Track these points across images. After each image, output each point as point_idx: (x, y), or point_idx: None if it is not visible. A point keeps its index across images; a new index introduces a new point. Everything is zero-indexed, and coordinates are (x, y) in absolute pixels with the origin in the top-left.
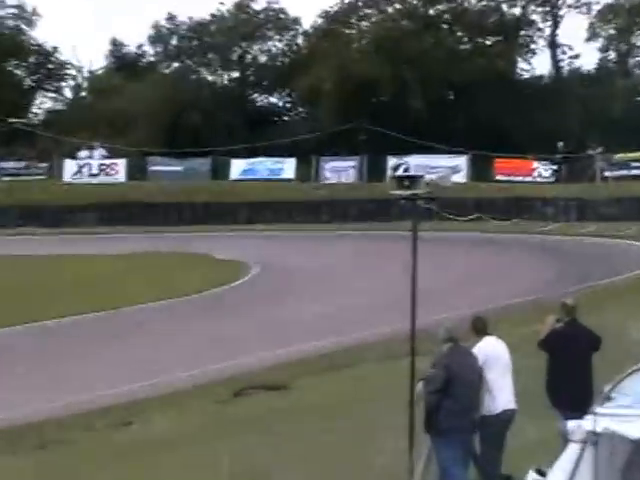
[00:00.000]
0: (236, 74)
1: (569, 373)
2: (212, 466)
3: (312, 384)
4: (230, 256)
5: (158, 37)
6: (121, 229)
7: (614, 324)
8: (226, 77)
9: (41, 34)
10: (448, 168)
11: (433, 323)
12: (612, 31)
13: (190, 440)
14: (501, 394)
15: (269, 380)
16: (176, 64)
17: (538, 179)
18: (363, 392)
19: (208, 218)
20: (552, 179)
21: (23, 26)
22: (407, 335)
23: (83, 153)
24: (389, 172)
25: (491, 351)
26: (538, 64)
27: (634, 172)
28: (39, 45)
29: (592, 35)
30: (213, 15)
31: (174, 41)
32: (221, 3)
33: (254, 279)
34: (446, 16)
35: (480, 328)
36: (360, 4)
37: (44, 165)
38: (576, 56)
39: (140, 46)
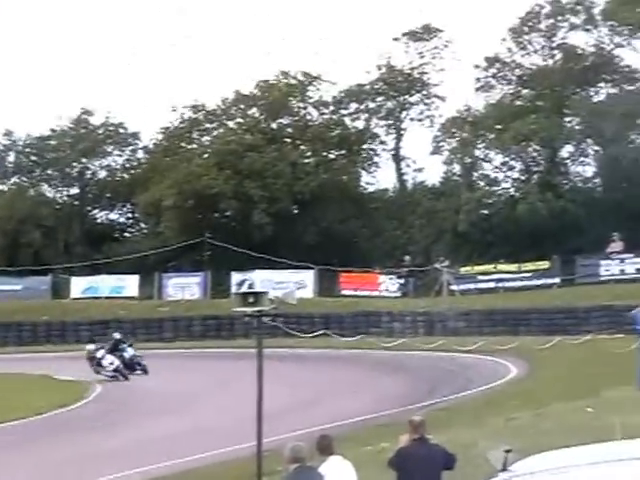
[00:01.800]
0: (76, 190)
1: None
2: None
3: None
4: (71, 376)
5: None
6: None
7: (462, 440)
8: (66, 193)
9: None
10: (294, 283)
11: (279, 443)
12: (455, 144)
13: None
14: None
15: None
16: (14, 180)
17: (385, 293)
18: None
19: (49, 338)
20: (398, 293)
21: None
22: (253, 455)
23: None
24: (233, 288)
25: (337, 471)
26: (383, 177)
27: (480, 285)
28: None
29: (436, 148)
30: (52, 130)
31: (11, 157)
32: (59, 118)
33: (95, 400)
34: (289, 130)
35: (325, 447)
36: (201, 118)
37: None
38: (420, 169)
39: None
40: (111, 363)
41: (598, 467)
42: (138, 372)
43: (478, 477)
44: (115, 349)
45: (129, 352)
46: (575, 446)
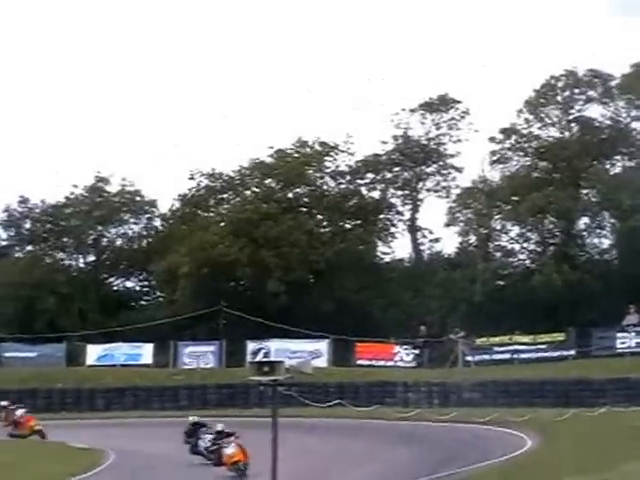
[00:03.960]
0: (92, 257)
1: None
2: None
3: None
4: (86, 444)
5: (10, 221)
6: None
7: None
8: (82, 260)
9: None
10: (309, 353)
11: None
12: (471, 215)
13: None
14: None
15: None
16: (30, 247)
17: (400, 363)
18: None
19: (64, 405)
20: (414, 363)
21: None
22: None
23: None
24: (249, 357)
25: None
26: (399, 247)
27: (496, 357)
28: None
29: (451, 219)
30: (67, 198)
31: (27, 224)
32: (74, 186)
33: (110, 468)
34: (305, 199)
35: None
36: (217, 187)
37: None
38: (436, 240)
39: None
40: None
41: None
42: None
43: None
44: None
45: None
46: None
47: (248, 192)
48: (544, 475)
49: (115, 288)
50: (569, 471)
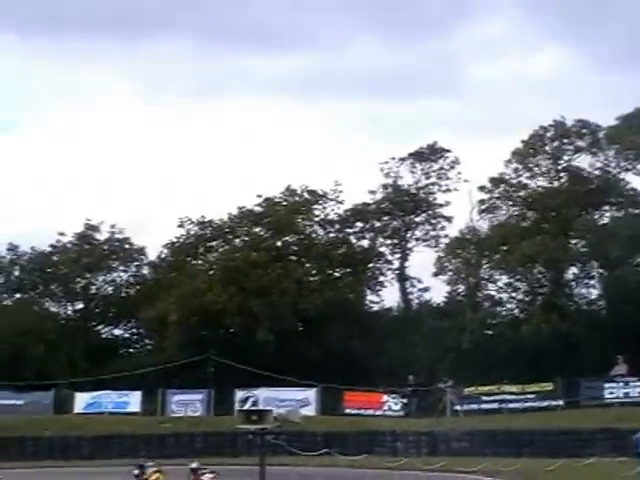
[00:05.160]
0: (80, 305)
1: None
2: None
3: None
4: None
5: None
6: None
7: None
8: (70, 308)
9: None
10: (297, 401)
11: None
12: (460, 264)
13: None
14: None
15: None
16: (18, 295)
17: (388, 412)
18: None
19: (51, 452)
20: (402, 412)
21: None
22: None
23: None
24: (237, 405)
25: None
26: (387, 296)
27: (484, 406)
28: None
29: (440, 269)
30: (56, 245)
31: (16, 272)
32: (61, 234)
33: None
34: (294, 248)
35: None
36: (207, 235)
37: None
38: (425, 289)
39: None
40: None
41: None
42: None
43: None
44: None
45: None
46: None
47: (237, 240)
48: None
49: (104, 336)
50: None
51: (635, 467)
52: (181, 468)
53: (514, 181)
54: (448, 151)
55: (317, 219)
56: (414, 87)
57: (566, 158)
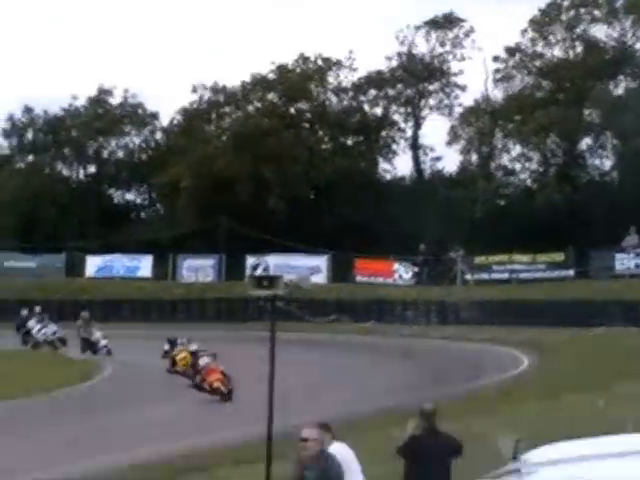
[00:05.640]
0: (92, 169)
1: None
2: None
3: None
4: (85, 356)
5: (13, 130)
6: None
7: (472, 430)
8: (82, 172)
9: None
10: (308, 268)
11: (289, 427)
12: (473, 134)
13: None
14: None
15: None
16: (31, 157)
17: (399, 281)
18: None
19: (62, 316)
20: (412, 281)
21: None
22: (263, 439)
23: None
24: (248, 271)
25: (340, 458)
26: (400, 165)
27: (495, 276)
28: None
29: (453, 138)
30: (69, 109)
31: (30, 134)
32: (74, 97)
33: (106, 379)
34: (307, 115)
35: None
36: (220, 101)
37: None
38: (438, 158)
39: None
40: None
41: (609, 459)
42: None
43: (488, 466)
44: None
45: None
46: (586, 438)
47: (250, 107)
48: (542, 393)
49: (115, 200)
50: (565, 390)
51: None
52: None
53: (529, 50)
54: (463, 20)
55: (331, 86)
56: None
57: (582, 28)
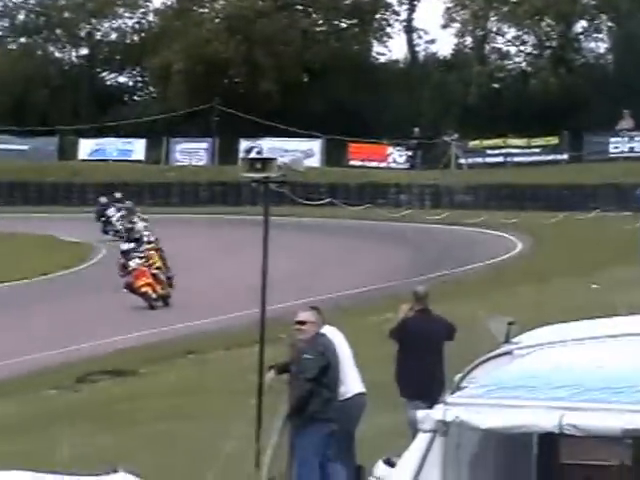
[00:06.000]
0: (85, 51)
1: (419, 362)
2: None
3: (158, 370)
4: (77, 238)
5: (4, 12)
6: None
7: (464, 313)
8: (74, 54)
9: None
10: (301, 152)
11: (283, 310)
12: (468, 16)
13: (27, 427)
14: (348, 379)
15: (114, 366)
16: (23, 39)
17: (392, 165)
18: (210, 379)
19: (55, 199)
20: (406, 165)
21: None
22: (256, 322)
23: None
24: (241, 155)
25: (333, 339)
26: (394, 48)
27: (488, 160)
28: None
29: (448, 21)
30: None
31: (21, 16)
32: None
33: (100, 262)
34: None
35: None
36: None
37: None
38: (432, 41)
39: None
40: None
41: (601, 341)
42: None
43: (480, 349)
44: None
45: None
46: (579, 321)
47: None
48: (534, 276)
49: (108, 83)
50: (557, 273)
51: (637, 221)
52: (183, 217)
53: None
54: None
55: None
56: None
57: None
